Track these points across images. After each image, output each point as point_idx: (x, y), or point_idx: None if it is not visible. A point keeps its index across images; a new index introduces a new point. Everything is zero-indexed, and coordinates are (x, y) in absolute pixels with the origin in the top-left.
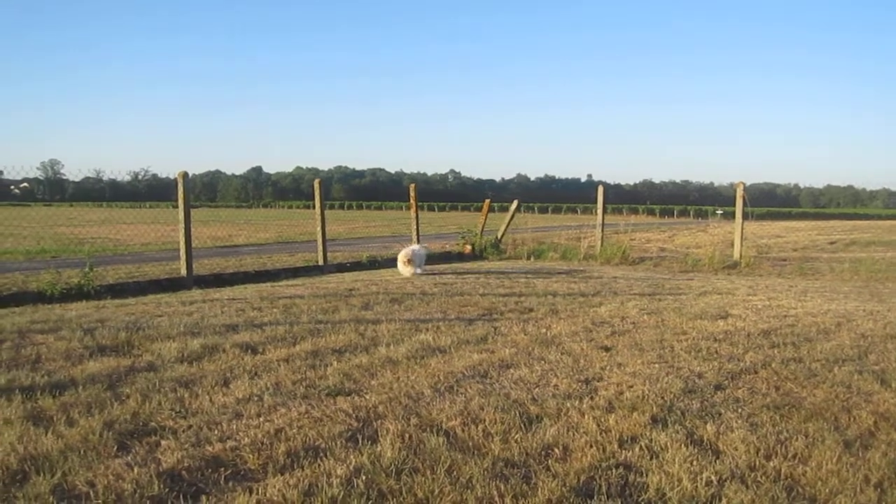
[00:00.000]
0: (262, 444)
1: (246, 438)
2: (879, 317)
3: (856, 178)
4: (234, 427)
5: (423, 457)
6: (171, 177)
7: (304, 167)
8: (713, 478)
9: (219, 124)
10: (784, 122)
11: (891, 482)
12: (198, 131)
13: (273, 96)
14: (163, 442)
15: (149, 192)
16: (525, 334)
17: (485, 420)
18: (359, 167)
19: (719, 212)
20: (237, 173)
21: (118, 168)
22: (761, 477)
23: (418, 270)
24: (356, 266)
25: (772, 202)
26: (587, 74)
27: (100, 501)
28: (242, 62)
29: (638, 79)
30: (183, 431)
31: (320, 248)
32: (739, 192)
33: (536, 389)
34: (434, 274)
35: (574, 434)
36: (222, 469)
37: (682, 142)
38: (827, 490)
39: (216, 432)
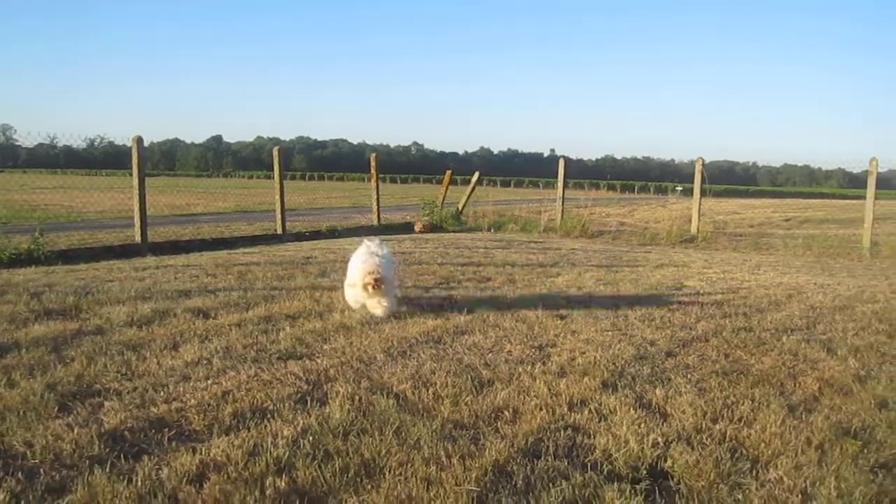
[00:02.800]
0: (209, 405)
1: (192, 400)
2: (829, 290)
3: (812, 158)
4: (181, 389)
5: (371, 418)
6: (128, 144)
7: (266, 137)
8: (659, 439)
9: (177, 92)
10: (744, 102)
11: (832, 444)
12: (156, 99)
13: (230, 64)
14: (106, 403)
15: (105, 159)
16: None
17: (436, 383)
18: (321, 138)
19: (679, 188)
20: (197, 142)
21: (73, 135)
22: (707, 439)
23: (392, 301)
24: (316, 235)
25: (730, 179)
26: (551, 50)
27: (37, 461)
28: (202, 28)
29: (602, 55)
30: (128, 393)
31: (279, 216)
32: (698, 168)
33: (490, 355)
34: (392, 242)
35: (525, 397)
36: (166, 430)
37: (644, 118)
38: (770, 451)
39: (162, 394)
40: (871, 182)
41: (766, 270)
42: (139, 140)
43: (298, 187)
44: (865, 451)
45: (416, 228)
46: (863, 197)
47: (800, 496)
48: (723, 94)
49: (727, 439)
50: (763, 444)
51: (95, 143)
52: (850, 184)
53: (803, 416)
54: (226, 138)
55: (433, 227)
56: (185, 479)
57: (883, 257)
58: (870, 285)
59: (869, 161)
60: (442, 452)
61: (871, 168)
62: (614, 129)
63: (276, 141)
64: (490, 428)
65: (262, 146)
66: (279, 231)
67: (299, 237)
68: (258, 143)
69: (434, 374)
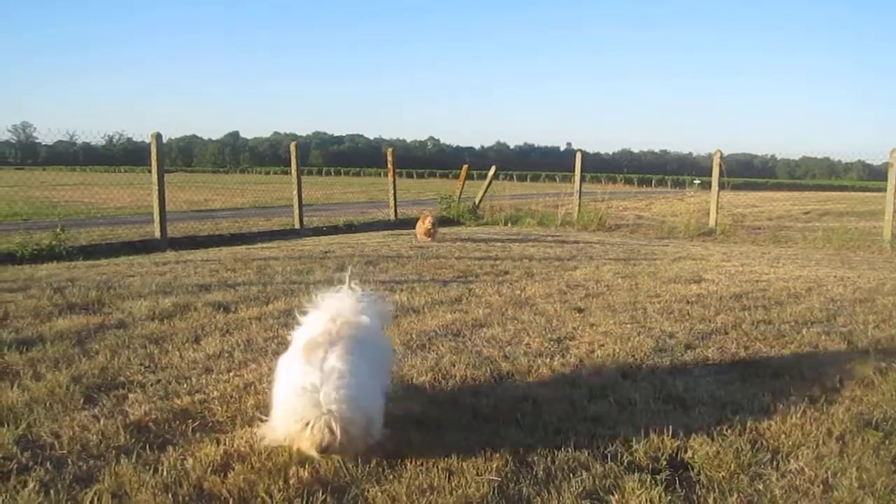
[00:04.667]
0: (231, 397)
1: (215, 392)
2: (849, 282)
3: (832, 151)
4: (204, 381)
5: (393, 410)
6: (147, 141)
7: (282, 132)
8: (680, 430)
9: (195, 88)
10: (763, 94)
11: (853, 435)
12: (174, 96)
13: (252, 62)
14: (130, 395)
15: (124, 156)
16: (499, 296)
17: (456, 376)
18: (337, 133)
19: (697, 181)
20: (214, 138)
21: (92, 131)
22: (727, 430)
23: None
24: (333, 230)
25: (749, 172)
26: (567, 44)
27: (65, 451)
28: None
29: (619, 47)
30: (151, 385)
31: (296, 211)
32: (716, 160)
33: (508, 347)
34: (409, 236)
35: (544, 389)
36: (190, 421)
37: (661, 112)
38: (790, 442)
39: (185, 386)
40: (893, 174)
41: (785, 263)
42: (158, 136)
43: (315, 182)
44: (887, 442)
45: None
46: (883, 189)
47: (821, 486)
48: (742, 86)
49: (747, 430)
50: (784, 436)
51: (114, 140)
52: (870, 176)
53: (824, 408)
54: (243, 134)
55: (449, 222)
56: (209, 469)
57: None
58: (891, 277)
59: (889, 153)
60: (463, 443)
61: (891, 160)
62: (631, 123)
63: (292, 136)
64: (510, 419)
65: (279, 142)
66: (297, 226)
67: (317, 232)
68: (275, 138)
69: (454, 366)
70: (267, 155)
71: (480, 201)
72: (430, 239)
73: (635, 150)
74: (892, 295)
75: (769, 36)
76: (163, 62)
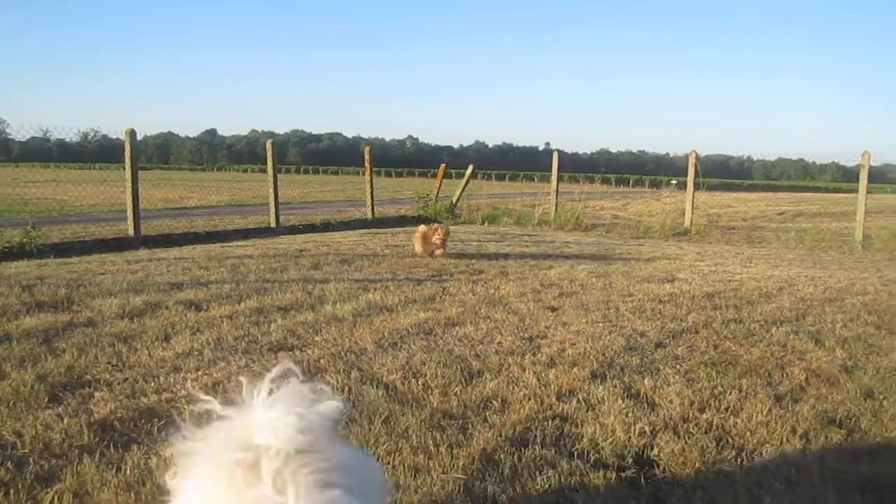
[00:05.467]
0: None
1: (183, 391)
2: (820, 282)
3: (807, 153)
4: (172, 380)
5: (361, 408)
6: (122, 138)
7: (260, 130)
8: (646, 428)
9: (172, 85)
10: (741, 96)
11: (816, 433)
12: (150, 93)
13: (230, 59)
14: (96, 394)
15: (99, 153)
16: (473, 294)
17: (426, 374)
18: (316, 131)
19: (674, 182)
20: (191, 136)
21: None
22: (693, 428)
23: None
24: (309, 228)
25: (725, 173)
26: (547, 45)
27: (27, 450)
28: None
29: (598, 47)
30: (118, 384)
31: (272, 210)
32: (692, 161)
33: (480, 346)
34: (386, 234)
35: (514, 388)
36: (156, 420)
37: (640, 112)
38: (755, 440)
39: (152, 384)
40: (864, 175)
41: (757, 263)
42: (132, 133)
43: (293, 181)
44: (850, 439)
45: (413, 218)
46: (856, 191)
47: (783, 483)
48: (718, 88)
49: (714, 428)
50: (749, 433)
51: (89, 137)
52: (843, 177)
53: (789, 406)
54: (220, 132)
55: (426, 221)
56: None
57: (875, 250)
58: (860, 278)
59: (861, 154)
60: (430, 441)
61: (863, 161)
62: (610, 123)
63: (270, 134)
64: (478, 417)
65: (257, 139)
66: (273, 224)
67: (293, 230)
68: (252, 136)
69: (424, 364)
70: (244, 153)
71: (458, 200)
72: (440, 252)
73: (613, 150)
74: (861, 295)
75: (749, 37)
76: (140, 59)
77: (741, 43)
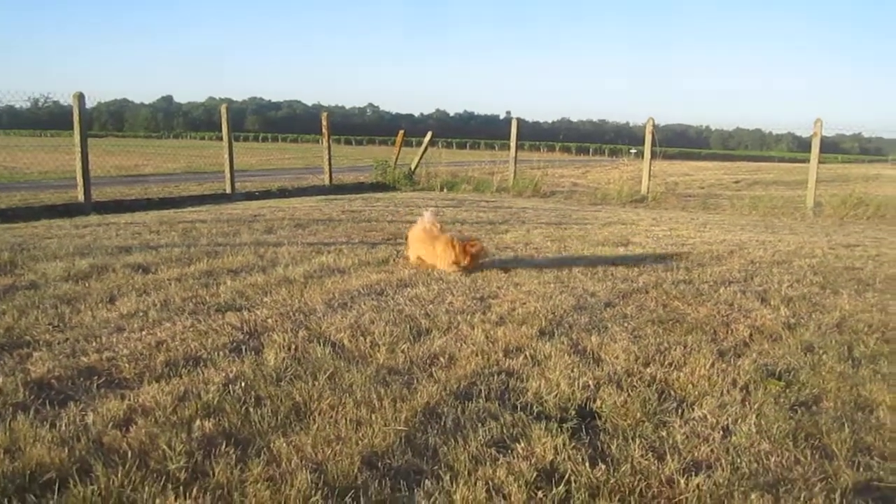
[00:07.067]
0: (141, 355)
1: (125, 350)
2: (770, 246)
3: (763, 123)
4: (114, 340)
5: (306, 365)
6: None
7: (218, 97)
8: (591, 382)
9: (126, 50)
10: (699, 65)
11: (756, 385)
12: (103, 58)
13: (187, 24)
14: (35, 354)
15: (51, 120)
16: None
17: (374, 332)
18: (275, 99)
19: (633, 150)
20: (146, 102)
21: (16, 94)
22: (637, 381)
23: None
24: (266, 195)
25: (684, 143)
26: (509, 13)
27: None
28: None
29: (560, 21)
30: (58, 344)
31: (228, 176)
32: (649, 128)
33: (430, 306)
34: (343, 201)
35: (461, 345)
36: (95, 378)
37: (600, 82)
38: (696, 392)
39: (94, 344)
40: (816, 143)
41: (711, 228)
42: (80, 96)
43: (251, 148)
44: (787, 391)
45: (370, 185)
46: (809, 161)
47: (721, 432)
48: (678, 58)
49: (656, 382)
50: (691, 386)
51: (40, 103)
52: (799, 147)
53: (732, 360)
54: (177, 99)
55: (384, 188)
56: (111, 423)
57: (825, 216)
58: (809, 241)
59: (814, 122)
60: (374, 396)
61: (816, 129)
62: (571, 92)
63: (228, 101)
64: (424, 373)
65: (214, 107)
66: (228, 191)
67: (249, 197)
68: (210, 104)
69: (373, 323)
70: (202, 121)
71: (416, 167)
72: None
73: (574, 118)
74: (809, 257)
75: (707, 8)
76: (95, 21)
77: (700, 12)
